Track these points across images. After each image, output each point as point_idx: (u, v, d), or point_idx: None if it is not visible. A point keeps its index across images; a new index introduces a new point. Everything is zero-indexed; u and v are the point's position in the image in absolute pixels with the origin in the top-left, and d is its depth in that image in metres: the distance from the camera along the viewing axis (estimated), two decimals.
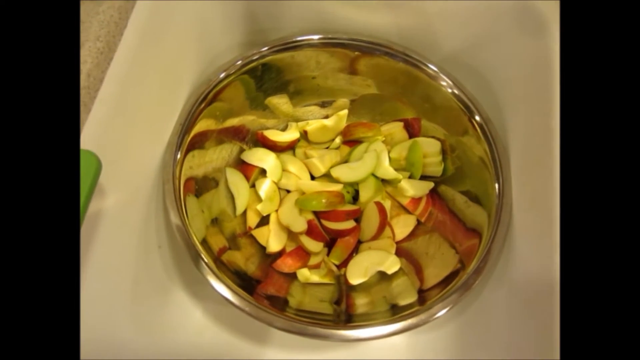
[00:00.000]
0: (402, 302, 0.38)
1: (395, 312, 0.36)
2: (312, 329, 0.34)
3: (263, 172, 0.47)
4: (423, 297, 0.37)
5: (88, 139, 0.29)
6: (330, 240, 0.46)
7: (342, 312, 0.40)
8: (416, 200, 0.47)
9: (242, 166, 0.48)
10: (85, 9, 0.32)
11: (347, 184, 0.47)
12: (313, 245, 0.45)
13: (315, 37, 0.45)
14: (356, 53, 0.45)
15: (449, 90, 0.44)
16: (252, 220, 0.46)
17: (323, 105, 0.52)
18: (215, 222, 0.43)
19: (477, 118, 0.42)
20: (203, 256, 0.36)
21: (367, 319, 0.36)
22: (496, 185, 0.39)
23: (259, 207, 0.46)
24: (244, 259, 0.43)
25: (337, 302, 0.41)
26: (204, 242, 0.38)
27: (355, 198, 0.48)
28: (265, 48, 0.45)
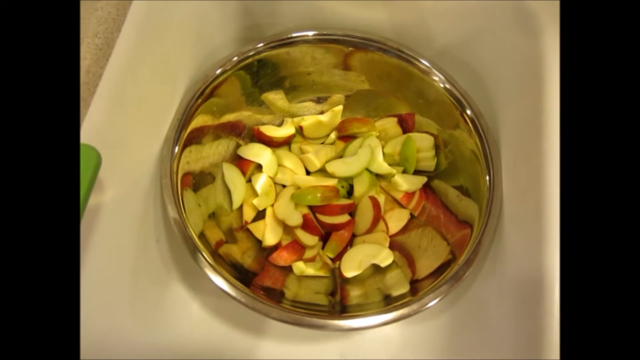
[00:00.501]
0: (395, 294, 0.39)
1: (388, 302, 0.37)
2: (308, 319, 0.34)
3: (259, 167, 0.48)
4: (415, 288, 0.38)
5: (87, 134, 0.30)
6: (325, 234, 0.46)
7: (336, 303, 0.40)
8: (409, 195, 0.48)
9: (239, 161, 0.48)
10: (83, 6, 0.32)
11: (341, 179, 0.48)
12: (308, 238, 0.45)
13: (310, 33, 0.46)
14: (350, 49, 0.46)
15: (441, 85, 0.44)
16: (249, 214, 0.47)
17: (318, 101, 0.52)
18: (212, 216, 0.44)
19: (469, 112, 0.43)
20: (200, 249, 0.37)
21: (361, 310, 0.36)
22: (487, 179, 0.40)
23: (255, 201, 0.46)
24: (241, 253, 0.44)
25: (332, 294, 0.42)
26: (201, 236, 0.39)
27: (350, 192, 0.48)
28: (261, 44, 0.45)
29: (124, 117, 0.34)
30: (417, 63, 0.45)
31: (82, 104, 0.30)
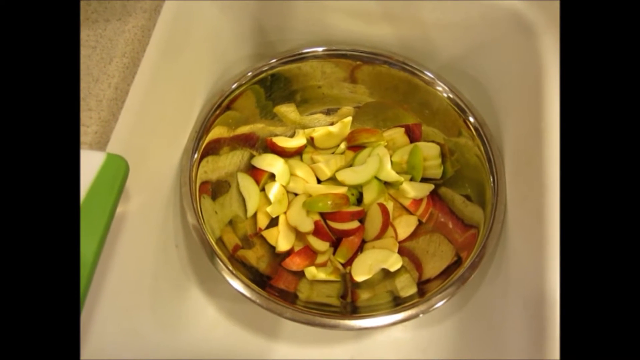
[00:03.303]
0: (404, 296, 0.40)
1: (398, 304, 0.38)
2: (319, 319, 0.36)
3: (272, 177, 0.50)
4: (423, 290, 0.40)
5: (116, 145, 0.32)
6: (336, 240, 0.48)
7: (348, 304, 0.42)
8: (417, 202, 0.49)
9: (253, 171, 0.50)
10: (112, 28, 0.35)
11: (351, 187, 0.49)
12: (320, 244, 0.47)
13: (320, 49, 0.48)
14: (357, 63, 0.48)
15: (445, 95, 0.46)
16: (262, 221, 0.49)
17: (328, 113, 0.54)
18: (228, 223, 0.45)
19: (473, 121, 0.44)
20: (218, 253, 0.38)
21: (371, 310, 0.38)
22: (491, 185, 0.42)
23: (269, 209, 0.48)
24: (256, 258, 0.45)
25: (343, 297, 0.44)
26: (219, 241, 0.41)
27: (360, 200, 0.50)
28: (274, 60, 0.47)
29: (148, 129, 0.36)
30: (422, 75, 0.47)
31: (111, 117, 0.32)
